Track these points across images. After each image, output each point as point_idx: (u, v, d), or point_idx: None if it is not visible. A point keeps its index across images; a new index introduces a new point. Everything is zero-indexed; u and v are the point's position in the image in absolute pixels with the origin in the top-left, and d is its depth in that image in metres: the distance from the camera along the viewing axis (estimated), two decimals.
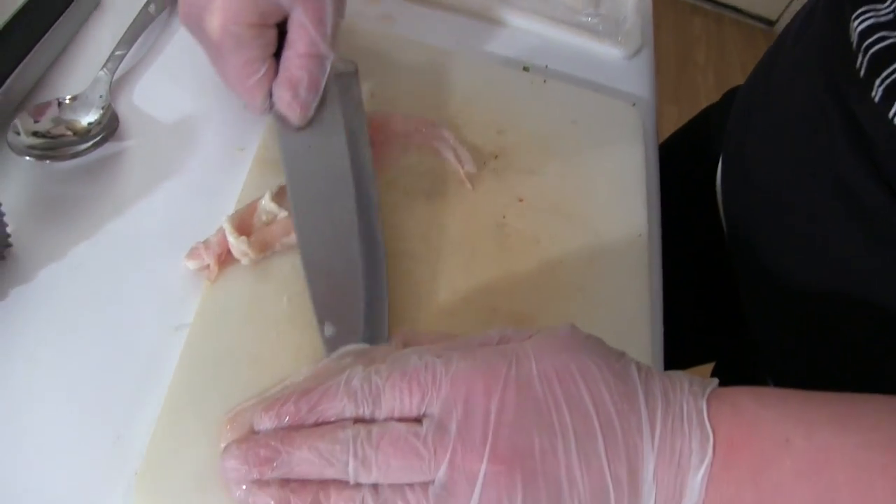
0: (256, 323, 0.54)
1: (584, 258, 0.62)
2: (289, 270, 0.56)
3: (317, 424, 0.45)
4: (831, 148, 0.58)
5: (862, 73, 0.54)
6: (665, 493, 0.42)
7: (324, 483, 0.43)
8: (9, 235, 0.54)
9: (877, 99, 0.52)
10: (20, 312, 0.53)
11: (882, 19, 0.53)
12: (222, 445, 0.46)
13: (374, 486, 0.43)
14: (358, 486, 0.43)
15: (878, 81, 0.52)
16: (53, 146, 0.59)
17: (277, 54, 0.59)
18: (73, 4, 0.67)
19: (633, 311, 0.61)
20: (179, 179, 0.61)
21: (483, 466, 0.41)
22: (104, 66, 0.65)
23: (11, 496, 0.47)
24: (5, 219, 0.53)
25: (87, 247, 0.56)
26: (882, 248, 0.55)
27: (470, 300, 0.58)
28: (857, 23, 0.55)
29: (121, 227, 0.58)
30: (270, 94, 0.59)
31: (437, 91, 0.71)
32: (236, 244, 0.55)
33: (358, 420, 0.44)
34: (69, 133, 0.61)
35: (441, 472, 0.42)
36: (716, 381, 0.45)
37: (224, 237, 0.55)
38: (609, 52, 0.82)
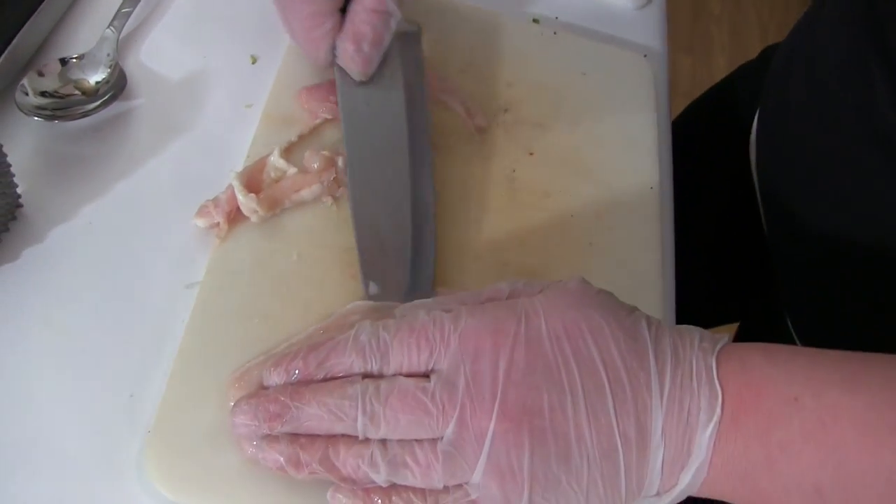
0: (266, 280, 0.54)
1: (594, 211, 0.62)
2: (298, 227, 0.57)
3: (325, 380, 0.45)
4: (872, 98, 0.57)
5: None
6: (673, 449, 0.42)
7: (333, 438, 0.44)
8: (19, 196, 0.55)
9: None
10: (32, 273, 0.53)
11: None
12: (231, 403, 0.46)
13: (383, 442, 0.43)
14: (367, 441, 0.43)
15: None
16: (62, 106, 0.59)
17: (345, 10, 0.58)
18: None
19: (644, 264, 0.60)
20: (188, 137, 0.61)
21: (492, 424, 0.42)
22: (111, 23, 0.64)
23: (26, 455, 0.47)
24: (15, 179, 0.54)
25: (97, 206, 0.57)
26: None
27: (480, 254, 0.58)
28: None
29: (130, 187, 0.58)
30: (334, 48, 0.58)
31: (446, 45, 0.70)
32: (245, 201, 0.55)
33: (367, 375, 0.45)
34: (77, 92, 0.61)
35: (450, 429, 0.42)
36: (726, 336, 0.45)
37: (233, 195, 0.55)
38: (620, 2, 0.80)
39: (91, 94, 0.61)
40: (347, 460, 0.43)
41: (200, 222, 0.56)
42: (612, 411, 0.42)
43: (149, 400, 0.50)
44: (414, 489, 0.43)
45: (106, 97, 0.60)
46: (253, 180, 0.57)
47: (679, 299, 0.63)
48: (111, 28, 0.64)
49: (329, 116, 0.62)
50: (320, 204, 0.58)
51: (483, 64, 0.69)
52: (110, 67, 0.62)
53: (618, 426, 0.42)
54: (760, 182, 0.74)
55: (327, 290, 0.54)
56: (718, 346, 0.44)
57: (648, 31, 0.80)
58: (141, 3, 0.67)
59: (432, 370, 0.44)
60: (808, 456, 0.40)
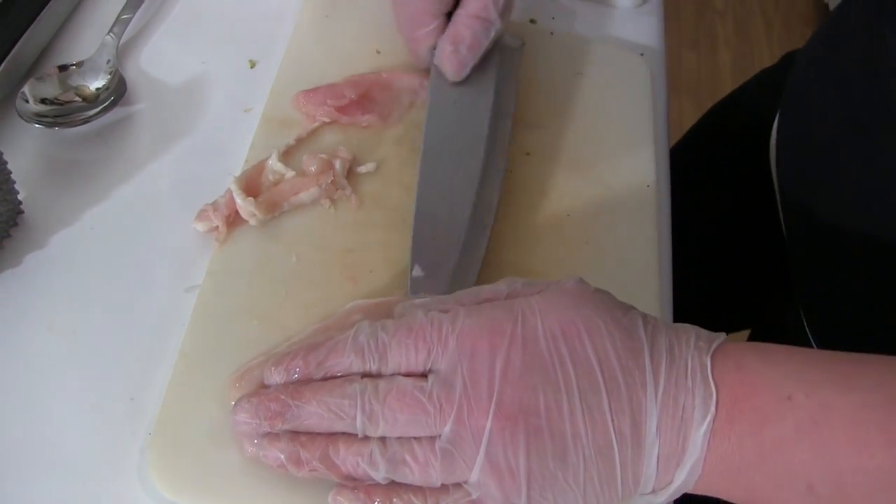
0: (265, 282, 0.54)
1: (591, 210, 0.62)
2: (297, 230, 0.57)
3: (325, 379, 0.45)
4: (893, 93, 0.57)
5: None
6: (668, 447, 0.42)
7: (333, 437, 0.44)
8: (21, 202, 0.55)
9: None
10: (34, 278, 0.54)
11: None
12: (231, 403, 0.47)
13: (383, 440, 0.44)
14: (366, 439, 0.44)
15: None
16: (62, 112, 0.60)
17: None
18: None
19: (641, 262, 0.61)
20: (188, 142, 0.62)
21: (489, 423, 0.42)
22: (111, 30, 0.65)
23: (29, 458, 0.48)
24: (17, 186, 0.54)
25: (98, 212, 0.57)
26: None
27: None
28: None
29: (131, 192, 0.59)
30: (434, 48, 0.62)
31: None
32: (244, 205, 0.55)
33: (365, 375, 0.45)
34: (78, 99, 0.62)
35: (447, 428, 0.43)
36: (723, 335, 0.45)
37: (232, 198, 0.56)
38: (617, 1, 0.81)
39: (91, 100, 0.61)
40: (347, 458, 0.44)
41: (200, 226, 0.56)
42: (607, 409, 0.42)
43: (150, 402, 0.50)
44: (415, 490, 0.44)
45: (106, 103, 0.61)
46: (251, 184, 0.57)
47: (692, 305, 0.63)
48: (111, 35, 0.64)
49: (327, 120, 0.62)
50: (318, 206, 0.58)
51: None
52: (110, 74, 0.63)
53: (613, 424, 0.42)
54: (780, 185, 0.74)
55: (326, 291, 0.54)
56: (714, 345, 0.44)
57: (646, 29, 0.80)
58: (140, 10, 0.67)
59: (430, 370, 0.45)
60: (801, 454, 0.41)
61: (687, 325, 0.46)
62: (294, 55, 0.66)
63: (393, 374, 0.45)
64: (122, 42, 0.65)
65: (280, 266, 0.55)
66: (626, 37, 0.78)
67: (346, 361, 0.45)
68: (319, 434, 0.45)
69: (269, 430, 0.45)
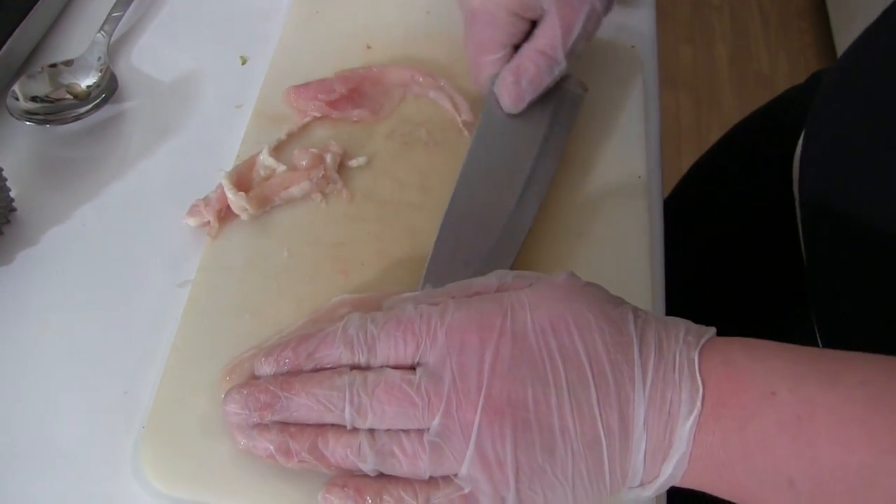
0: (257, 276, 0.55)
1: (582, 202, 0.62)
2: (288, 224, 0.57)
3: (315, 371, 0.46)
4: None
5: None
6: (655, 440, 0.43)
7: (322, 428, 0.44)
8: (12, 200, 0.55)
9: None
10: (27, 275, 0.54)
11: None
12: (223, 396, 0.47)
13: (371, 432, 0.44)
14: (355, 431, 0.44)
15: None
16: (53, 110, 0.60)
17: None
18: None
19: (633, 253, 0.61)
20: (179, 138, 0.62)
21: (478, 416, 0.42)
22: (101, 28, 0.65)
23: (22, 454, 0.48)
24: (8, 183, 0.54)
25: (90, 208, 0.58)
26: None
27: None
28: None
29: (122, 188, 0.59)
30: (495, 77, 0.62)
31: (433, 40, 0.70)
32: (235, 200, 0.56)
33: (355, 367, 0.45)
34: (69, 97, 0.62)
35: (436, 421, 0.43)
36: (712, 329, 0.45)
37: (223, 193, 0.56)
38: None
39: (83, 97, 0.62)
40: (336, 449, 0.44)
41: (191, 221, 0.57)
42: (595, 403, 0.43)
43: (143, 397, 0.51)
44: (405, 486, 0.44)
45: (97, 101, 0.61)
46: (243, 179, 0.58)
47: (706, 312, 0.62)
48: (102, 32, 0.65)
49: (317, 114, 0.62)
50: (310, 201, 0.58)
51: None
52: (101, 71, 0.63)
53: (601, 418, 0.42)
54: (802, 203, 0.74)
55: (318, 285, 0.55)
56: (703, 340, 0.44)
57: (638, 21, 0.80)
58: (131, 8, 0.67)
59: (419, 363, 0.45)
60: (783, 448, 0.41)
61: (677, 319, 0.46)
62: (285, 51, 0.67)
63: (382, 367, 0.45)
64: (112, 39, 0.65)
65: (272, 260, 0.55)
66: (618, 29, 0.78)
67: (336, 353, 0.45)
68: (309, 425, 0.45)
69: (259, 421, 0.45)
